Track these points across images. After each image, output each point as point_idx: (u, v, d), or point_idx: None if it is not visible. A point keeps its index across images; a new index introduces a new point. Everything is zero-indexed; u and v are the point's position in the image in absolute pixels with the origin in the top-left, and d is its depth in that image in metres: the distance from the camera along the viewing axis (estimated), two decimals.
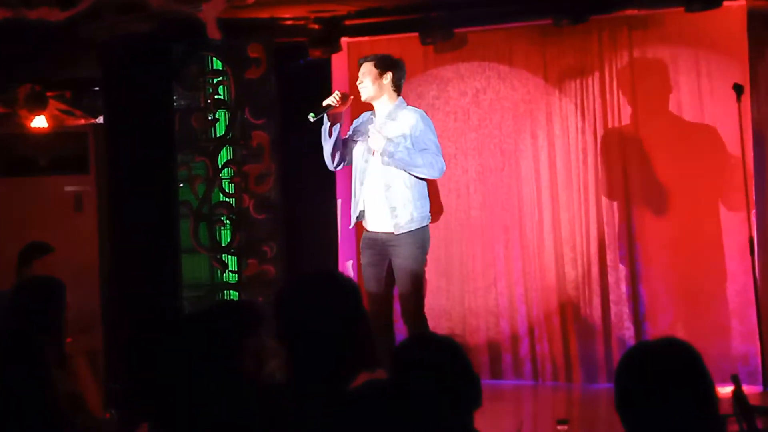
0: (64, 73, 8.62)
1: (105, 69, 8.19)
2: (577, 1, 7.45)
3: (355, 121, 7.16)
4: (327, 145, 7.01)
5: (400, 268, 6.85)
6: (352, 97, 7.00)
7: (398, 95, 7.00)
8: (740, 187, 7.32)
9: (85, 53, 8.15)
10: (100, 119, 8.55)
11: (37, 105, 8.44)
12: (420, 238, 6.86)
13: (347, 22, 8.01)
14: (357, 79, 7.07)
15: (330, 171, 7.27)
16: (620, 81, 7.97)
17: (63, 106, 8.67)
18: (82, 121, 8.66)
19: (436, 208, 7.50)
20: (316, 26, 8.01)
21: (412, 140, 6.83)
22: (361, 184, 6.96)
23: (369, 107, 7.06)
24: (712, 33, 7.73)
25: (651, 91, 7.91)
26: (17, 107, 8.48)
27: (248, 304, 4.06)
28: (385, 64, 6.95)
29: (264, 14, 7.84)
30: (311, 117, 6.89)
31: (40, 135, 8.47)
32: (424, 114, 7.01)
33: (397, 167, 6.82)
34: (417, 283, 6.87)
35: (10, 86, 8.45)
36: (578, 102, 8.08)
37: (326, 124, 6.96)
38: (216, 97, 8.54)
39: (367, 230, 7.00)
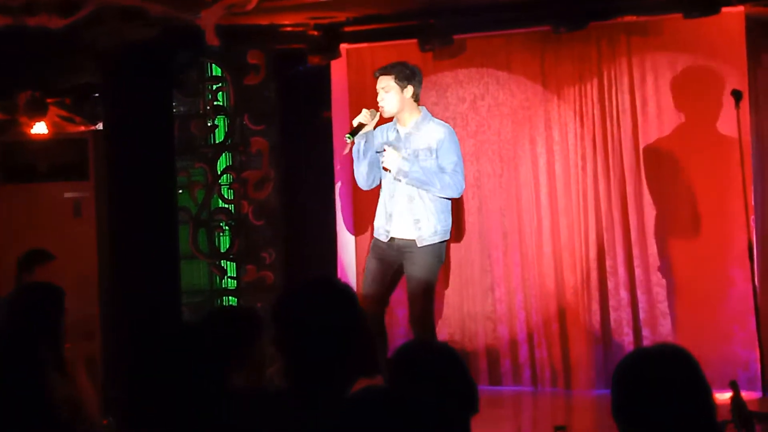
0: (64, 79, 8.62)
1: (105, 76, 8.20)
2: (576, 8, 7.46)
3: (375, 135, 7.10)
4: (362, 166, 6.97)
5: (415, 276, 6.87)
6: (378, 113, 6.98)
7: (419, 106, 7.00)
8: (739, 193, 7.33)
9: (85, 60, 8.16)
10: (100, 126, 8.55)
11: (37, 112, 8.44)
12: (438, 249, 6.89)
13: (346, 29, 8.03)
14: (356, 86, 7.07)
15: (329, 177, 7.29)
16: (619, 87, 7.98)
17: (63, 113, 8.67)
18: (82, 128, 8.66)
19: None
20: (315, 33, 8.02)
21: (437, 154, 6.85)
22: (391, 196, 6.95)
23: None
24: (711, 39, 7.74)
25: (649, 97, 7.92)
26: (17, 114, 8.48)
27: (247, 310, 4.05)
28: (405, 77, 6.93)
29: (263, 21, 7.85)
30: (348, 139, 6.90)
31: (39, 141, 8.47)
32: (452, 130, 7.03)
33: (414, 186, 6.83)
34: (429, 292, 6.90)
35: (10, 93, 8.44)
36: (577, 108, 8.09)
37: (359, 143, 6.95)
38: (215, 103, 8.56)
39: (391, 237, 6.97)
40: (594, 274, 8.01)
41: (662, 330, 7.83)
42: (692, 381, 2.90)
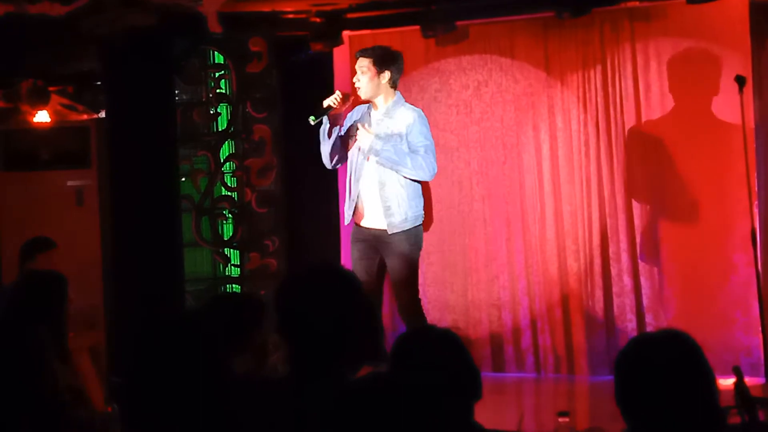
0: (66, 67, 8.61)
1: (106, 63, 8.20)
2: None
3: (349, 116, 7.11)
4: (326, 146, 6.96)
5: (395, 266, 6.84)
6: (353, 97, 6.97)
7: (395, 90, 6.96)
8: (742, 178, 7.31)
9: (87, 48, 8.15)
10: (102, 114, 8.55)
11: (40, 100, 8.44)
12: (413, 236, 6.84)
13: (349, 16, 8.01)
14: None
15: None
16: (622, 73, 7.96)
17: (65, 101, 8.66)
18: (84, 116, 8.65)
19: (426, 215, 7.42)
20: (317, 20, 8.00)
21: (407, 139, 6.81)
22: (357, 180, 6.92)
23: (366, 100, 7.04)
24: (714, 24, 7.72)
25: (653, 83, 7.90)
26: (19, 102, 8.47)
27: (248, 296, 4.06)
28: (383, 61, 6.89)
29: (265, 8, 7.84)
30: (312, 120, 6.86)
31: (41, 130, 8.47)
32: (422, 113, 6.97)
33: (385, 166, 6.79)
34: (411, 280, 6.86)
35: (12, 81, 8.44)
36: (580, 95, 8.07)
37: (326, 125, 6.91)
38: (218, 91, 8.55)
39: (359, 225, 6.96)
40: (597, 261, 8.00)
41: (665, 316, 7.83)
42: (695, 366, 2.90)
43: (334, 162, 7.03)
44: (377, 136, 6.76)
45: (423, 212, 6.92)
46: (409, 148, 6.80)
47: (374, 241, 6.87)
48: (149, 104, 8.11)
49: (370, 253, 6.89)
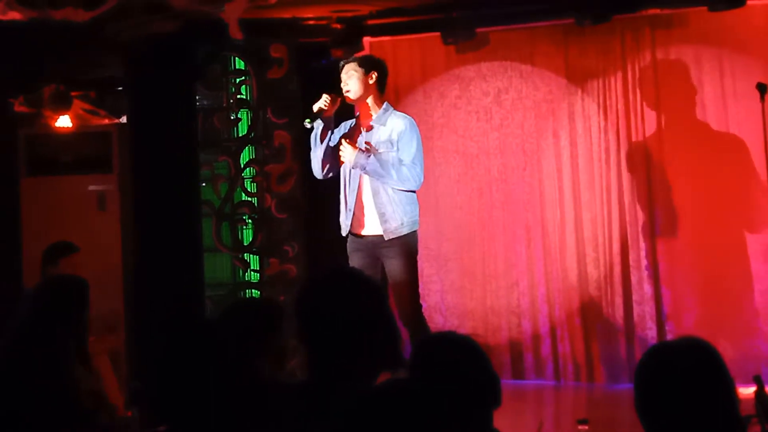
0: (88, 73, 8.65)
1: (128, 69, 8.23)
2: (600, 1, 7.42)
3: (337, 130, 7.09)
4: (318, 151, 6.93)
5: (394, 273, 6.81)
6: (340, 98, 6.96)
7: (382, 96, 6.95)
8: (764, 187, 7.30)
9: (109, 53, 8.19)
10: (124, 119, 8.59)
11: (62, 105, 8.48)
12: (410, 241, 6.82)
13: (369, 22, 8.01)
14: None
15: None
16: (643, 80, 7.95)
17: (87, 106, 8.70)
18: (106, 121, 8.69)
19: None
20: (338, 26, 8.01)
21: (398, 146, 6.81)
22: (353, 191, 6.91)
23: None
24: (736, 32, 7.71)
25: (674, 90, 7.89)
26: (42, 107, 8.51)
27: (268, 302, 4.06)
28: (369, 63, 6.90)
29: (286, 14, 7.85)
30: (307, 123, 6.86)
31: (64, 134, 8.51)
32: (413, 122, 6.93)
33: (372, 177, 6.78)
34: (412, 286, 6.84)
35: (35, 86, 8.48)
36: (600, 102, 8.07)
37: (317, 128, 6.92)
38: (238, 96, 8.57)
39: (357, 235, 6.94)
40: (617, 268, 7.99)
41: (685, 324, 7.81)
42: (715, 374, 2.89)
43: (325, 171, 6.99)
44: (360, 151, 6.75)
45: (418, 218, 6.90)
46: (398, 157, 6.79)
47: (373, 249, 6.86)
48: (171, 110, 8.13)
49: (370, 262, 6.87)
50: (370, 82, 6.85)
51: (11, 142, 8.50)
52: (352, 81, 6.85)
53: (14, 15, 6.72)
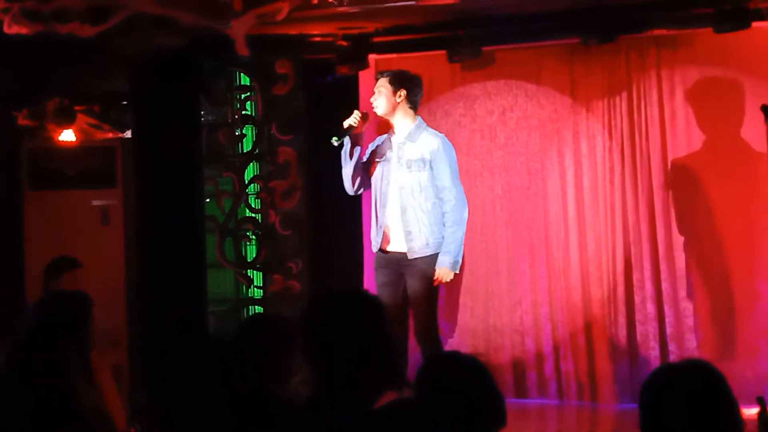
0: (92, 87, 8.67)
1: (134, 84, 8.25)
2: (606, 20, 7.43)
3: (371, 144, 7.13)
4: (348, 168, 6.98)
5: (414, 291, 6.83)
6: (371, 115, 6.98)
7: (415, 113, 6.97)
8: (767, 208, 7.29)
9: (114, 68, 8.21)
10: (128, 133, 8.60)
11: (65, 119, 8.49)
12: (434, 262, 6.82)
13: (375, 39, 8.03)
14: None
15: None
16: (648, 100, 7.94)
17: (91, 120, 8.71)
18: (110, 135, 8.70)
19: None
20: (344, 43, 8.03)
21: (431, 166, 6.82)
22: (383, 206, 6.94)
23: (388, 126, 7.05)
24: (741, 53, 7.70)
25: (678, 110, 7.89)
26: (45, 120, 8.52)
27: (282, 321, 4.04)
28: (399, 80, 6.92)
29: (292, 30, 7.86)
30: (334, 141, 6.89)
31: (68, 148, 8.52)
32: (446, 140, 6.97)
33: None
34: (430, 306, 6.86)
35: (39, 99, 8.49)
36: (606, 121, 8.06)
37: (347, 145, 6.94)
38: (243, 112, 8.58)
39: (384, 251, 6.96)
40: (621, 288, 7.97)
41: (689, 345, 7.79)
42: (719, 396, 2.90)
43: (356, 187, 7.03)
44: (442, 258, 6.75)
45: None
46: (433, 177, 6.79)
47: (397, 265, 6.87)
48: (175, 125, 8.15)
49: (394, 278, 6.89)
50: (398, 99, 6.88)
51: (15, 155, 8.51)
52: (380, 97, 6.90)
53: (20, 29, 6.73)
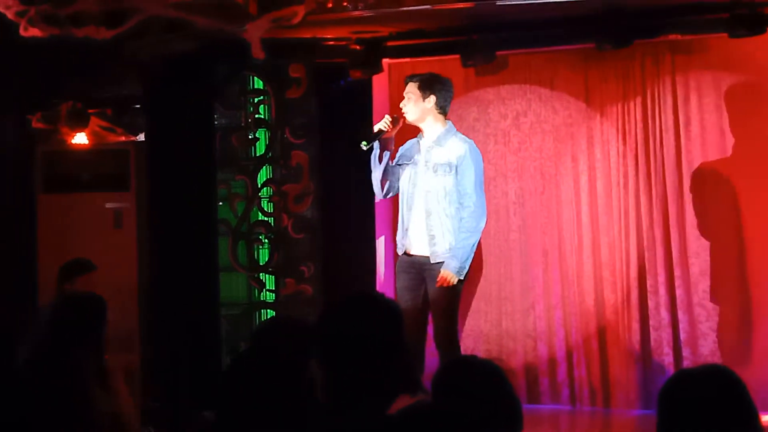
0: (106, 90, 8.67)
1: (147, 87, 8.25)
2: (621, 25, 7.41)
3: (401, 148, 7.13)
4: (377, 172, 6.99)
5: (435, 295, 6.83)
6: (402, 120, 6.98)
7: (445, 118, 6.97)
8: None
9: (128, 71, 8.21)
10: (141, 137, 8.60)
11: (79, 122, 8.50)
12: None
13: (389, 44, 8.01)
14: (397, 101, 7.07)
15: (369, 191, 7.26)
16: (662, 106, 7.93)
17: (104, 123, 8.72)
18: (123, 139, 8.71)
19: None
20: (357, 47, 8.02)
21: (457, 170, 6.81)
22: (409, 209, 6.94)
23: (418, 129, 7.05)
24: (756, 59, 7.68)
25: (693, 116, 7.87)
26: (59, 124, 8.53)
27: (297, 324, 4.03)
28: (428, 86, 6.91)
29: (306, 34, 7.85)
30: (363, 146, 6.89)
31: (81, 152, 8.53)
32: (474, 146, 6.96)
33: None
34: (450, 311, 6.85)
35: (53, 103, 8.51)
36: (620, 126, 8.04)
37: (376, 150, 6.96)
38: (256, 116, 8.58)
39: (408, 254, 6.97)
40: (634, 293, 7.95)
41: (703, 351, 7.77)
42: (739, 403, 2.89)
43: (385, 191, 7.04)
44: (448, 262, 6.73)
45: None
46: (457, 183, 6.79)
47: (420, 269, 6.88)
48: (188, 128, 8.15)
49: (416, 282, 6.90)
50: (428, 106, 6.89)
51: (29, 158, 8.52)
52: (409, 103, 6.90)
53: (36, 32, 6.74)
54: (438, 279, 6.75)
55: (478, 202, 6.82)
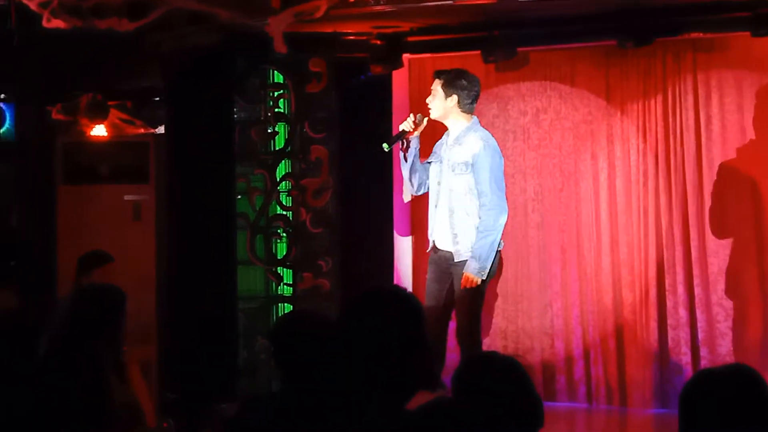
0: (126, 83, 8.69)
1: (167, 80, 8.25)
2: (643, 23, 7.38)
3: (436, 144, 7.14)
4: (405, 170, 7.03)
5: (458, 292, 6.84)
6: (426, 119, 6.97)
7: (471, 115, 6.95)
8: None
9: (148, 63, 8.22)
10: (160, 129, 8.61)
11: (98, 114, 8.52)
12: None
13: (409, 39, 8.01)
14: (417, 96, 7.07)
15: (388, 186, 7.28)
16: (683, 104, 7.90)
17: (123, 116, 8.74)
18: (142, 131, 8.72)
19: None
20: (378, 42, 8.02)
21: (473, 169, 6.79)
22: (435, 207, 6.96)
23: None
24: None
25: (714, 114, 7.84)
26: (79, 115, 8.55)
27: (317, 318, 4.02)
28: (452, 85, 6.89)
29: (327, 29, 7.86)
30: (385, 147, 6.90)
31: (101, 144, 8.54)
32: (489, 140, 6.91)
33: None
34: (473, 306, 6.85)
35: (72, 94, 8.52)
36: (640, 124, 8.02)
37: (414, 149, 6.97)
38: (276, 110, 8.57)
39: (435, 249, 6.99)
40: (653, 292, 7.92)
41: (721, 350, 7.74)
42: (761, 403, 2.87)
43: (416, 188, 7.07)
44: (469, 263, 6.71)
45: (501, 240, 6.86)
46: (474, 181, 6.77)
47: (445, 264, 6.89)
48: (208, 121, 8.15)
49: (443, 276, 6.92)
50: (450, 104, 6.88)
51: (49, 149, 8.53)
52: (434, 101, 6.90)
53: (59, 23, 6.75)
54: (461, 281, 6.75)
55: (495, 199, 6.78)
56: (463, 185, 6.83)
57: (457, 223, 6.82)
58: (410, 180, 7.03)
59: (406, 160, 6.98)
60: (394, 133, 7.31)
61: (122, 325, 4.86)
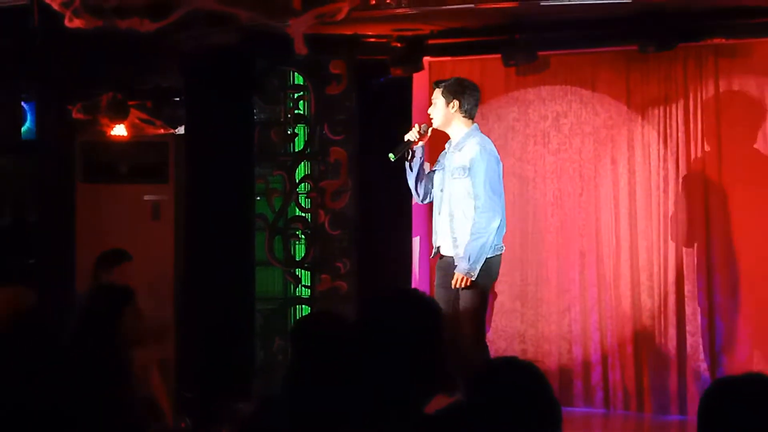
0: (146, 82, 8.71)
1: (187, 80, 8.28)
2: (665, 28, 7.36)
3: (442, 152, 7.14)
4: (410, 179, 7.03)
5: (461, 296, 6.83)
6: (431, 129, 6.97)
7: (472, 121, 6.94)
8: None
9: (168, 63, 8.24)
10: (180, 129, 8.63)
11: (118, 113, 8.54)
12: (483, 268, 6.77)
13: (430, 42, 8.02)
14: None
15: (406, 189, 7.25)
16: (705, 110, 7.86)
17: (143, 116, 8.76)
18: (161, 131, 8.74)
19: None
20: (398, 44, 8.03)
21: (470, 173, 6.78)
22: (438, 213, 6.96)
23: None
24: None
25: (736, 121, 7.80)
26: (99, 115, 8.58)
27: (335, 320, 4.02)
28: (452, 91, 6.88)
29: (347, 31, 7.86)
30: (392, 157, 6.90)
31: (121, 143, 8.57)
32: (486, 147, 6.85)
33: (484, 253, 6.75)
34: (476, 310, 6.82)
35: (93, 94, 8.55)
36: (661, 130, 7.99)
37: (408, 157, 6.97)
38: (296, 111, 8.60)
39: (439, 254, 7.00)
40: (672, 298, 7.90)
41: (739, 358, 7.70)
42: None
43: (422, 196, 7.06)
44: (458, 264, 6.72)
45: (501, 244, 6.85)
46: (471, 186, 6.77)
47: (450, 269, 6.88)
48: (228, 122, 8.18)
49: (449, 281, 6.89)
50: (452, 111, 6.87)
51: (69, 148, 8.56)
52: (435, 110, 6.90)
53: (80, 23, 6.77)
54: (452, 280, 6.76)
55: (489, 203, 6.75)
56: (461, 189, 6.82)
57: (456, 227, 6.82)
58: (416, 189, 7.04)
59: (411, 170, 6.98)
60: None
61: (126, 323, 4.83)
